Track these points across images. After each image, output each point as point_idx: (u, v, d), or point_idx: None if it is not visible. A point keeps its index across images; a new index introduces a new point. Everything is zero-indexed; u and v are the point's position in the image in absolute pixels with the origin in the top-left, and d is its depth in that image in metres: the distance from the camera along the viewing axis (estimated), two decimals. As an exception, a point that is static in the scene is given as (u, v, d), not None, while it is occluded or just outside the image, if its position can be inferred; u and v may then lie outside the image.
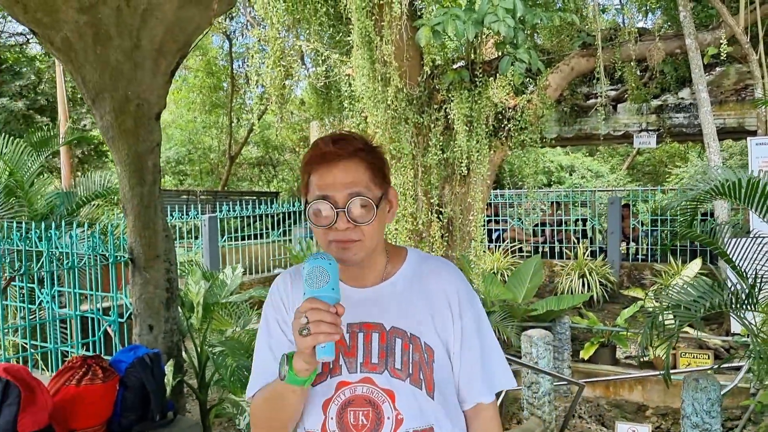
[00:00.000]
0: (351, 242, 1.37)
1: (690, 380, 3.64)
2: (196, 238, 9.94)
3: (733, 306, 3.34)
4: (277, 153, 22.37)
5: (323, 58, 7.82)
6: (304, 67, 9.23)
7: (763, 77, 7.34)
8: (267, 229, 10.83)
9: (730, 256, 3.69)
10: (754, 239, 3.71)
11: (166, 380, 3.64)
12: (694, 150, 20.25)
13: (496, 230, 11.74)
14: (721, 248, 3.73)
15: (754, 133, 9.05)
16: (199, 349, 4.18)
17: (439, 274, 1.50)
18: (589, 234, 11.39)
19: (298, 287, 1.40)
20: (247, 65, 9.30)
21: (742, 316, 3.57)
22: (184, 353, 4.21)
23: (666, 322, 3.52)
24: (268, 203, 10.72)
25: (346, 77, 7.31)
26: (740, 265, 3.70)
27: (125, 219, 3.79)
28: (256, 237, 10.58)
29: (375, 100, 6.74)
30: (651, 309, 7.27)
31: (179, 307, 4.07)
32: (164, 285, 3.86)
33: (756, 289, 3.33)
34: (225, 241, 9.66)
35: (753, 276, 3.55)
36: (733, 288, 3.42)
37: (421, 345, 1.42)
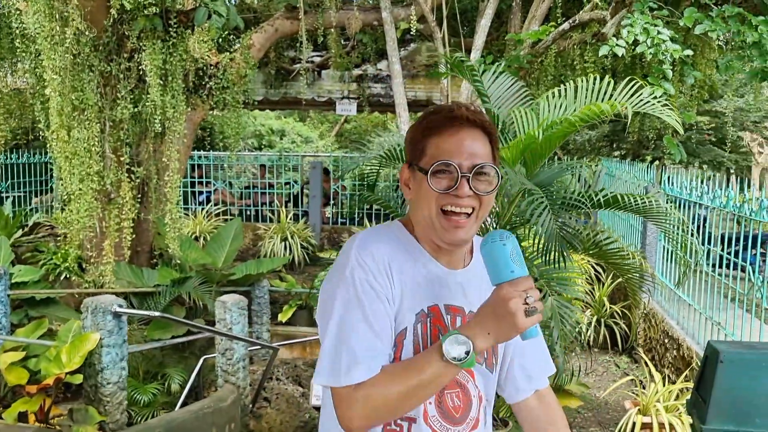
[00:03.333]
0: (464, 219, 1.32)
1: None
2: None
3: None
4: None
5: (-13, -14, 6.64)
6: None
7: (445, 54, 7.98)
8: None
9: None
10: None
11: None
12: (395, 120, 21.76)
13: (201, 193, 11.33)
14: (396, 211, 3.91)
15: (440, 107, 9.90)
16: None
17: None
18: (299, 198, 11.56)
19: (401, 256, 1.35)
20: None
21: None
22: None
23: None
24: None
25: (17, 12, 6.29)
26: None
27: None
28: None
29: (52, 42, 5.90)
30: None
31: None
32: None
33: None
34: None
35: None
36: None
37: None
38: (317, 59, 10.37)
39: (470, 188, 1.31)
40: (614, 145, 14.59)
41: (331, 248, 9.73)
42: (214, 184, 11.40)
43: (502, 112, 3.66)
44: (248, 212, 11.16)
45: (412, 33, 8.66)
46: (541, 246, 3.05)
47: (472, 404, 1.41)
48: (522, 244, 3.30)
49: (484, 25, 7.54)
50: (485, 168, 1.33)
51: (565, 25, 6.71)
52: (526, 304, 1.19)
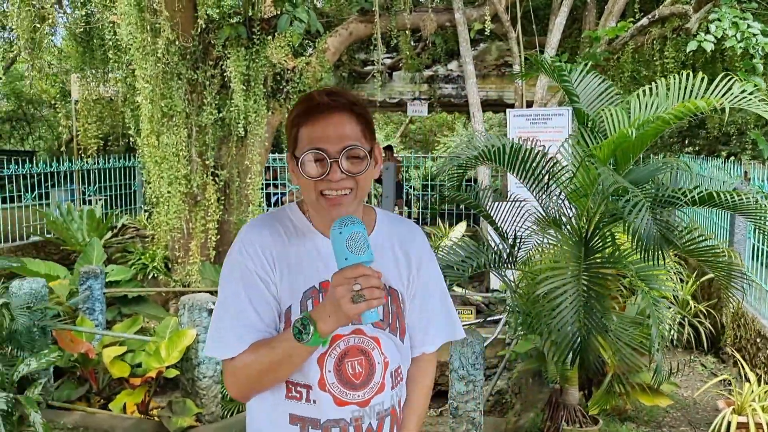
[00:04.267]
0: (343, 197, 1.38)
1: (457, 336, 3.86)
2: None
3: (496, 265, 3.57)
4: (33, 107, 19.99)
5: (83, 0, 7.01)
6: (60, 10, 8.23)
7: (520, 54, 7.98)
8: (21, 191, 9.64)
9: (494, 219, 3.94)
10: (513, 202, 4.00)
11: None
12: (460, 120, 21.73)
13: (275, 194, 11.62)
14: (485, 211, 3.96)
15: (511, 106, 9.87)
16: None
17: (412, 234, 1.60)
18: (374, 200, 11.74)
19: (283, 240, 1.45)
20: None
21: (503, 274, 3.84)
22: None
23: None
24: (23, 163, 9.51)
25: (111, 25, 6.63)
26: (502, 226, 3.97)
27: None
28: (6, 201, 9.35)
29: (143, 52, 6.21)
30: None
31: None
32: None
33: (516, 249, 3.59)
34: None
35: (513, 237, 3.83)
36: (495, 248, 3.66)
37: (398, 297, 1.53)
38: (388, 61, 10.50)
39: (342, 171, 1.36)
40: (686, 141, 14.19)
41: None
42: (288, 186, 11.67)
43: (590, 111, 3.67)
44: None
45: (483, 33, 8.69)
46: (636, 244, 3.05)
47: (375, 370, 1.48)
48: (617, 241, 3.31)
49: (558, 23, 7.50)
50: (354, 149, 1.38)
51: (644, 21, 6.63)
52: (353, 291, 1.23)
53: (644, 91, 3.52)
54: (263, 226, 1.47)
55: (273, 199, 11.49)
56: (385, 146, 14.21)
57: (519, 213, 3.95)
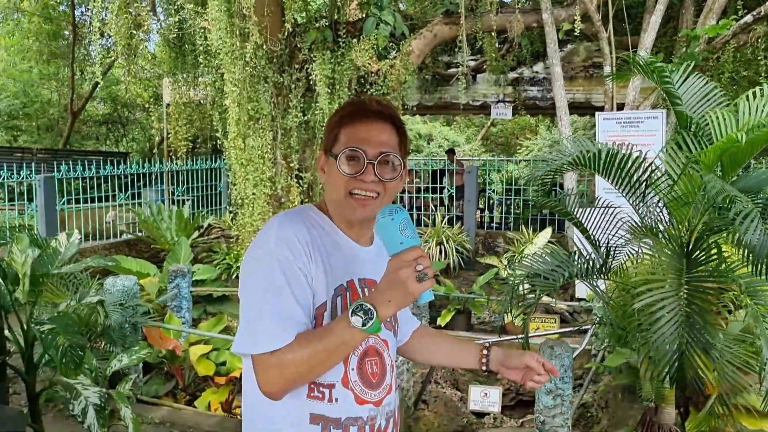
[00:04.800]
0: (370, 199, 1.44)
1: (545, 347, 3.70)
2: (31, 200, 9.01)
3: (588, 275, 3.41)
4: (127, 111, 20.92)
5: (176, 7, 7.23)
6: (155, 17, 8.53)
7: (611, 54, 7.69)
8: (115, 191, 10.06)
9: (585, 226, 3.77)
10: (603, 209, 3.82)
11: (-18, 364, 3.18)
12: (543, 123, 21.28)
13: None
14: (576, 219, 3.80)
15: (599, 109, 9.54)
16: (25, 327, 3.70)
17: None
18: (446, 202, 11.61)
19: (314, 235, 1.44)
20: (89, 10, 8.43)
21: (594, 284, 3.67)
22: (7, 331, 3.72)
23: (526, 291, 3.54)
24: (117, 164, 9.92)
25: (202, 30, 6.80)
26: (593, 234, 3.80)
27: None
28: (102, 200, 9.78)
29: (232, 56, 6.33)
30: (510, 278, 7.51)
31: (0, 280, 3.57)
32: (-20, 254, 3.35)
33: (609, 259, 3.41)
34: (64, 204, 8.82)
35: (606, 245, 3.65)
36: (588, 257, 3.49)
37: None
38: (472, 63, 10.36)
39: (375, 174, 1.42)
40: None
41: (488, 253, 9.66)
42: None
43: (693, 114, 3.46)
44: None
45: (572, 34, 8.44)
46: (746, 257, 2.84)
47: (386, 371, 1.53)
48: (723, 252, 3.10)
49: (653, 21, 7.18)
50: (390, 156, 1.44)
51: (748, 18, 6.24)
52: (417, 271, 1.27)
53: (754, 93, 3.28)
54: (297, 219, 1.46)
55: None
56: (448, 149, 14.10)
57: (610, 220, 3.77)
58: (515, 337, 6.12)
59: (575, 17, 7.64)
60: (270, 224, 1.43)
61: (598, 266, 3.39)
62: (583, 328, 6.61)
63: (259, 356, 1.37)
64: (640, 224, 3.54)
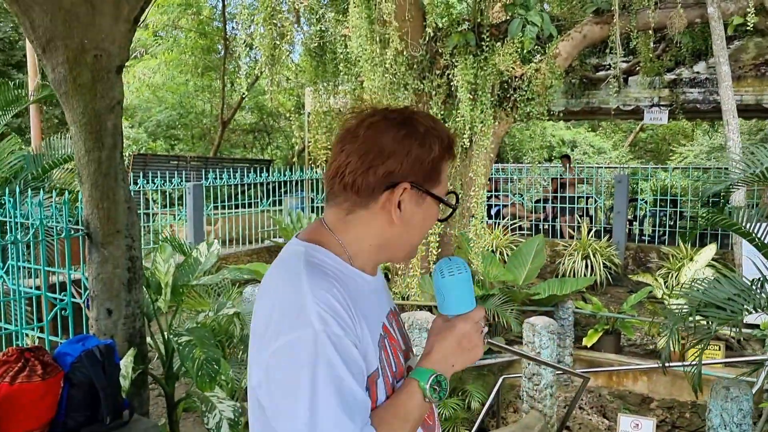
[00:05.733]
0: None
1: (719, 388, 3.20)
2: (182, 206, 9.46)
3: (778, 308, 2.89)
4: (272, 119, 21.75)
5: (318, 16, 7.25)
6: (298, 27, 8.66)
7: (791, 50, 6.83)
8: (258, 198, 10.36)
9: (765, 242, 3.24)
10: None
11: (124, 373, 3.20)
12: (700, 128, 19.72)
13: (495, 206, 11.28)
14: (760, 239, 3.27)
15: (772, 111, 8.57)
16: (165, 337, 3.73)
17: None
18: (592, 213, 10.93)
19: (341, 283, 1.16)
20: (239, 24, 8.71)
21: (783, 317, 3.13)
22: (149, 340, 3.76)
23: (696, 322, 3.08)
24: (261, 171, 10.21)
25: (342, 38, 6.76)
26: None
27: (80, 188, 3.31)
28: (246, 206, 10.09)
29: (372, 63, 6.22)
30: (666, 299, 6.87)
31: (144, 289, 3.61)
32: (125, 264, 3.39)
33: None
34: (210, 210, 9.18)
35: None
36: (776, 286, 2.97)
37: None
38: (624, 65, 9.66)
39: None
40: None
41: (638, 269, 8.96)
42: (512, 198, 11.26)
43: None
44: (541, 227, 10.82)
45: (741, 29, 7.62)
46: None
47: (434, 411, 1.36)
48: None
49: (844, 11, 6.28)
50: None
51: None
52: (483, 333, 1.22)
53: None
54: (321, 274, 1.15)
55: (493, 211, 11.16)
56: (563, 155, 13.33)
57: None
58: (677, 364, 5.54)
59: (748, 9, 6.84)
60: (296, 289, 1.12)
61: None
62: (754, 359, 5.88)
63: None
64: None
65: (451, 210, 1.27)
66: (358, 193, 1.18)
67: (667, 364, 3.99)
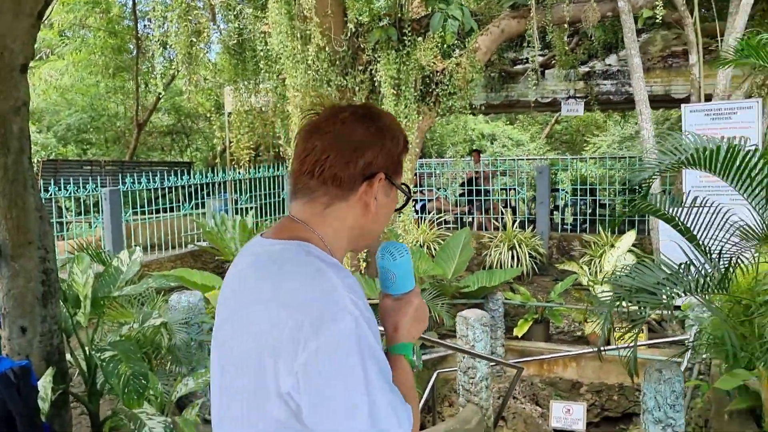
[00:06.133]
0: None
1: (652, 371, 3.27)
2: (99, 212, 9.02)
3: (704, 290, 2.97)
4: (190, 121, 21.14)
5: (235, 13, 7.05)
6: (215, 24, 8.40)
7: (698, 42, 7.12)
8: (180, 202, 10.02)
9: (694, 234, 3.33)
10: (716, 212, 3.37)
11: (43, 394, 2.98)
12: (612, 118, 20.46)
13: (420, 200, 11.33)
14: (683, 224, 3.37)
15: (679, 101, 8.94)
16: (87, 352, 3.51)
17: None
18: (515, 204, 11.12)
19: None
20: (151, 22, 8.37)
21: (708, 299, 3.23)
22: (69, 357, 3.53)
23: (628, 307, 3.14)
24: (181, 174, 9.88)
25: (262, 35, 6.59)
26: (702, 242, 3.35)
27: (-15, 197, 3.06)
28: (168, 210, 9.73)
29: (294, 60, 6.09)
30: (590, 285, 7.04)
31: (61, 303, 3.38)
32: (39, 277, 3.17)
33: (731, 271, 2.97)
34: (129, 216, 8.79)
35: (729, 258, 3.21)
36: (702, 269, 3.05)
37: None
38: (540, 59, 9.87)
39: None
40: None
41: (563, 258, 9.16)
42: (436, 192, 11.33)
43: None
44: (466, 220, 10.94)
45: (649, 22, 7.90)
46: None
47: None
48: None
49: (744, 4, 6.59)
50: None
51: None
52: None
53: None
54: (343, 272, 1.16)
55: (419, 206, 11.20)
56: (474, 149, 13.62)
57: (720, 225, 3.33)
58: (611, 348, 5.69)
59: (656, 2, 7.09)
60: (324, 282, 1.12)
61: (717, 280, 2.95)
62: (676, 339, 6.11)
63: None
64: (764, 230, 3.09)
65: (405, 200, 1.34)
66: (340, 186, 1.21)
67: (602, 349, 4.08)
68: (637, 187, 8.96)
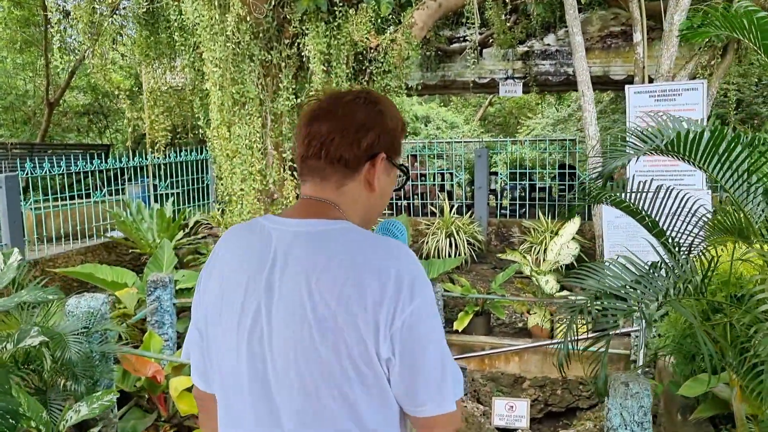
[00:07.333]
0: None
1: (618, 384, 2.89)
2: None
3: (685, 295, 2.58)
4: (109, 100, 19.91)
5: (145, -22, 6.32)
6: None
7: (642, 20, 6.84)
8: (98, 188, 9.20)
9: (662, 227, 2.95)
10: (683, 202, 3.00)
11: None
12: (545, 101, 20.41)
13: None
14: (649, 216, 2.99)
15: (619, 83, 8.72)
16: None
17: None
18: (451, 188, 10.75)
19: None
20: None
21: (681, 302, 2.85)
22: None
23: (595, 313, 2.74)
24: (98, 158, 9.03)
25: (175, 3, 5.91)
26: (669, 236, 2.98)
27: None
28: (82, 198, 8.87)
29: (212, 32, 5.45)
30: (534, 275, 6.72)
31: None
32: None
33: (710, 274, 2.59)
34: (32, 205, 7.94)
35: (688, 250, 2.85)
36: (678, 271, 2.66)
37: None
38: (477, 37, 9.47)
39: None
40: None
41: (502, 245, 8.84)
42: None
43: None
44: (401, 205, 10.51)
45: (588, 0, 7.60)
46: None
47: None
48: None
49: (690, -20, 6.33)
50: None
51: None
52: None
53: None
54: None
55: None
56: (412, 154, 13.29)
57: (688, 216, 2.97)
58: (545, 343, 5.38)
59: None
60: (405, 254, 1.22)
61: (697, 282, 2.56)
62: (623, 331, 5.84)
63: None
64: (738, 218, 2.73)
65: (404, 180, 1.40)
66: (347, 165, 1.27)
67: (535, 343, 3.70)
68: (574, 171, 8.70)
